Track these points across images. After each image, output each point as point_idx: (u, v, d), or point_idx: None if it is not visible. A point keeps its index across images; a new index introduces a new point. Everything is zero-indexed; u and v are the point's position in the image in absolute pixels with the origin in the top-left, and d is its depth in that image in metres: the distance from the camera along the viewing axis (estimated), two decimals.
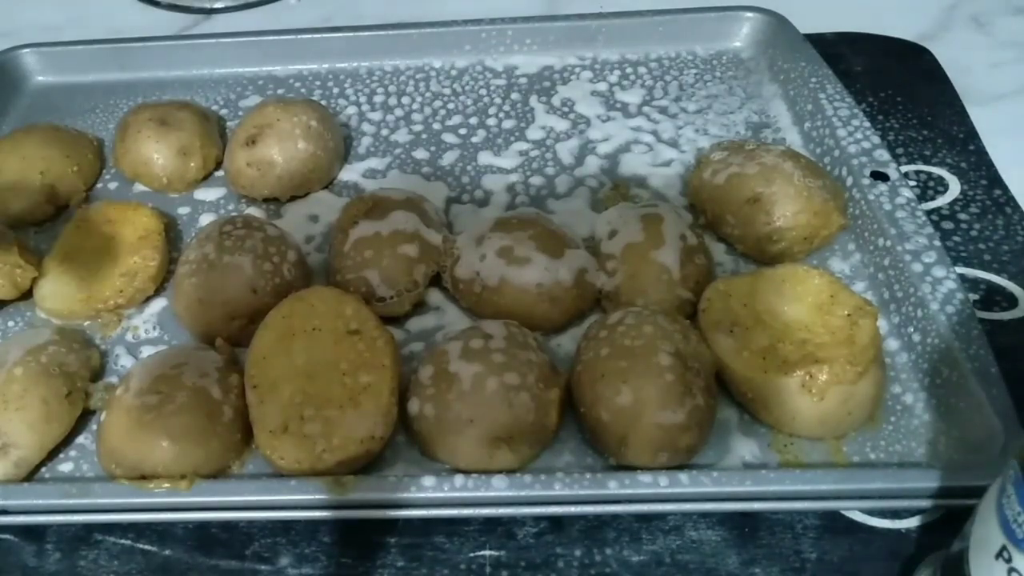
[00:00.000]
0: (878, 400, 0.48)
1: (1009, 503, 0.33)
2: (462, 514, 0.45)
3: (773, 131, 0.67)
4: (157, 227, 0.58)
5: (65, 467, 0.49)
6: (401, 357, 0.50)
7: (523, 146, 0.67)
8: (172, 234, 0.61)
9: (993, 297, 0.55)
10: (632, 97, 0.70)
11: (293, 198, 0.64)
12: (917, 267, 0.52)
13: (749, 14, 0.73)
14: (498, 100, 0.71)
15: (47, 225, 0.63)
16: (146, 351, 0.55)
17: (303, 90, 0.73)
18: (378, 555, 0.45)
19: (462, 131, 0.69)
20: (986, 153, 0.65)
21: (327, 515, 0.45)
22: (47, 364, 0.50)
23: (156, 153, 0.64)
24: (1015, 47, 0.75)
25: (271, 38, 0.75)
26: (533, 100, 0.70)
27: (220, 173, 0.66)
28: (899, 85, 0.71)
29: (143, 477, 0.46)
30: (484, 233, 0.55)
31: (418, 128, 0.69)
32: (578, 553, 0.45)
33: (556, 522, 0.46)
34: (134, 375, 0.49)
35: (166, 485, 0.45)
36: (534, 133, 0.68)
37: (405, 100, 0.72)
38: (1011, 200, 0.61)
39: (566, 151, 0.66)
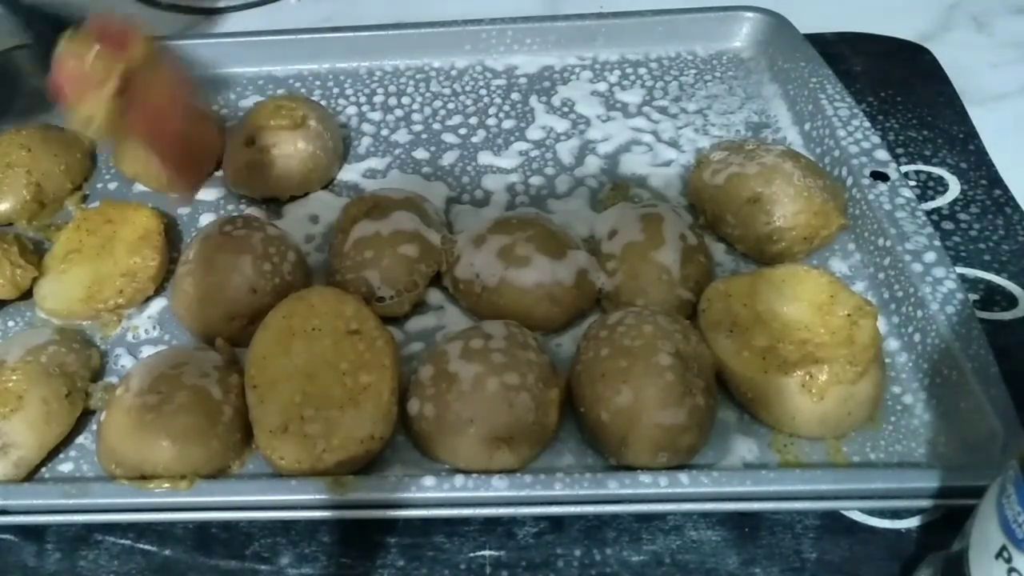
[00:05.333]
0: (878, 400, 0.48)
1: (1009, 503, 0.33)
2: (462, 514, 0.45)
3: (773, 131, 0.67)
4: (157, 227, 0.58)
5: (65, 467, 0.49)
6: (401, 357, 0.50)
7: (523, 146, 0.67)
8: (172, 234, 0.61)
9: (993, 297, 0.55)
10: (632, 97, 0.70)
11: (293, 198, 0.64)
12: (917, 267, 0.52)
13: (749, 14, 0.73)
14: (498, 100, 0.71)
15: (41, 224, 0.63)
16: (146, 351, 0.55)
17: (303, 90, 0.73)
18: (378, 555, 0.46)
19: (462, 131, 0.69)
20: (986, 153, 0.65)
21: (327, 515, 0.45)
22: (47, 364, 0.50)
23: None
24: (1015, 47, 0.75)
25: (271, 38, 0.75)
26: (533, 100, 0.70)
27: (220, 173, 0.66)
28: (899, 85, 0.71)
29: (143, 477, 0.46)
30: (484, 233, 0.55)
31: (418, 128, 0.69)
32: (578, 553, 0.45)
33: (556, 522, 0.46)
34: (134, 375, 0.49)
35: (166, 485, 0.45)
36: (534, 133, 0.68)
37: (405, 100, 0.72)
38: (1011, 200, 0.61)
39: (566, 151, 0.66)
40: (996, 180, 0.63)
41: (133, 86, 0.47)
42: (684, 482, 0.43)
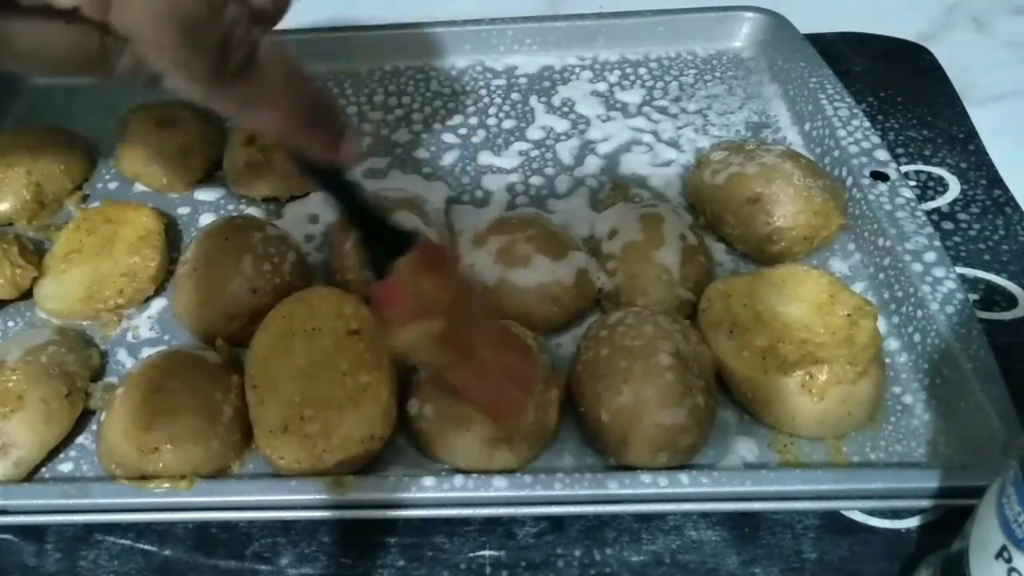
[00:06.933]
0: (878, 400, 0.48)
1: (1009, 503, 0.33)
2: (462, 514, 0.45)
3: (773, 131, 0.67)
4: (157, 227, 0.58)
5: (65, 467, 0.49)
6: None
7: (523, 146, 0.67)
8: (172, 234, 0.61)
9: (993, 297, 0.55)
10: (632, 97, 0.70)
11: (293, 198, 0.64)
12: (917, 267, 0.52)
13: (749, 14, 0.73)
14: (498, 100, 0.71)
15: (41, 224, 0.63)
16: (146, 351, 0.54)
17: None
18: (378, 555, 0.45)
19: (462, 131, 0.69)
20: (986, 153, 0.65)
21: (327, 515, 0.45)
22: (47, 364, 0.50)
23: (156, 153, 0.64)
24: (1015, 47, 0.75)
25: (271, 38, 0.75)
26: (533, 100, 0.70)
27: (220, 173, 0.66)
28: (899, 85, 0.71)
29: (143, 477, 0.46)
30: (484, 233, 0.55)
31: (418, 128, 0.69)
32: (578, 553, 0.45)
33: (556, 522, 0.46)
34: (134, 375, 0.49)
35: (166, 485, 0.45)
36: (534, 133, 0.68)
37: (405, 100, 0.71)
38: (1011, 200, 0.61)
39: (566, 151, 0.66)
40: (996, 180, 0.63)
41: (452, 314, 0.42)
42: (684, 482, 0.43)
